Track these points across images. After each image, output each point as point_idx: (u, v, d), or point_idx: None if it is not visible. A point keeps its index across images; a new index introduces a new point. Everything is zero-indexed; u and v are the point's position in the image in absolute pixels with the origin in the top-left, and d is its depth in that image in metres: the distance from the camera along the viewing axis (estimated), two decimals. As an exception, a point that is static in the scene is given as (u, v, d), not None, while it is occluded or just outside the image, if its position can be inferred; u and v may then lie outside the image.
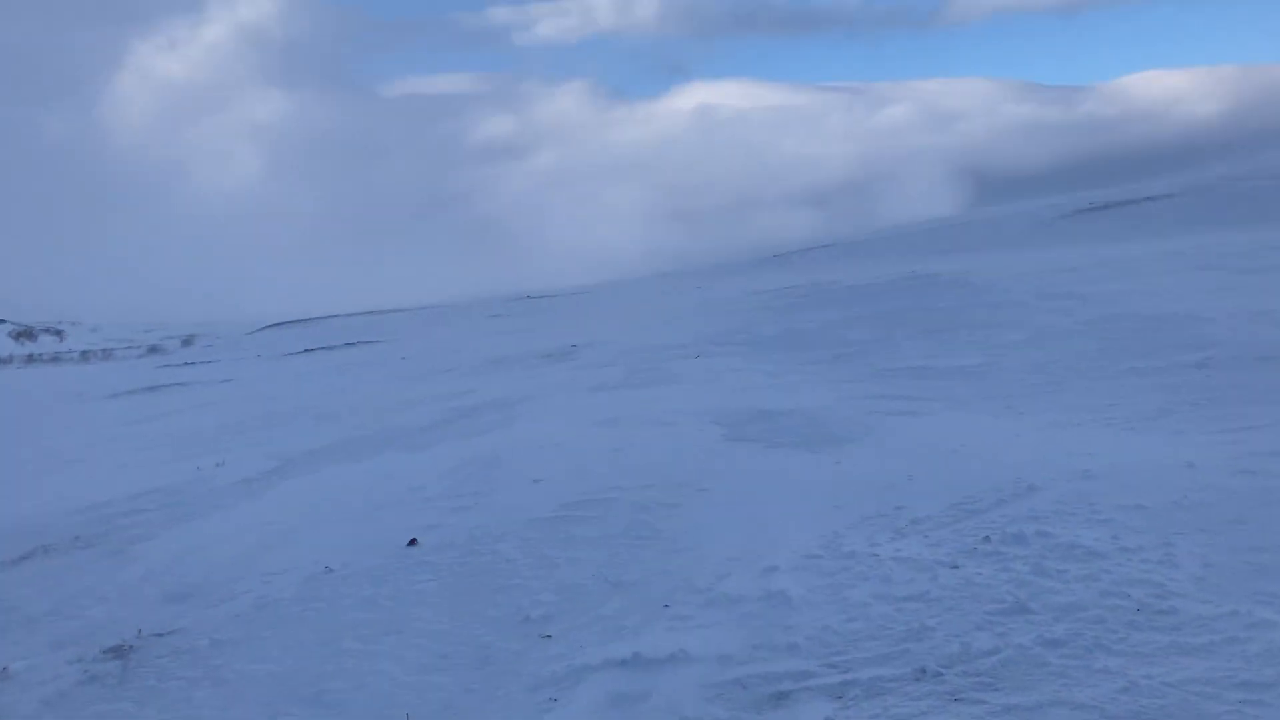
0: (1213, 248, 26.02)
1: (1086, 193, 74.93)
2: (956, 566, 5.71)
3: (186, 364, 51.77)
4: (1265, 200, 43.03)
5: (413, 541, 7.99)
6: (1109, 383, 11.97)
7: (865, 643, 4.83)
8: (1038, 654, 4.39)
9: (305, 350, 47.19)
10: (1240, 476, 6.81)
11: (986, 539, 6.11)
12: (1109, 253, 30.69)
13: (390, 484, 10.46)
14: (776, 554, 6.37)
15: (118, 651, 6.34)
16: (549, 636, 5.61)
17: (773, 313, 27.73)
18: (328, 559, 7.78)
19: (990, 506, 6.86)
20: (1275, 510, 5.95)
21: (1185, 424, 9.19)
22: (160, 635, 6.54)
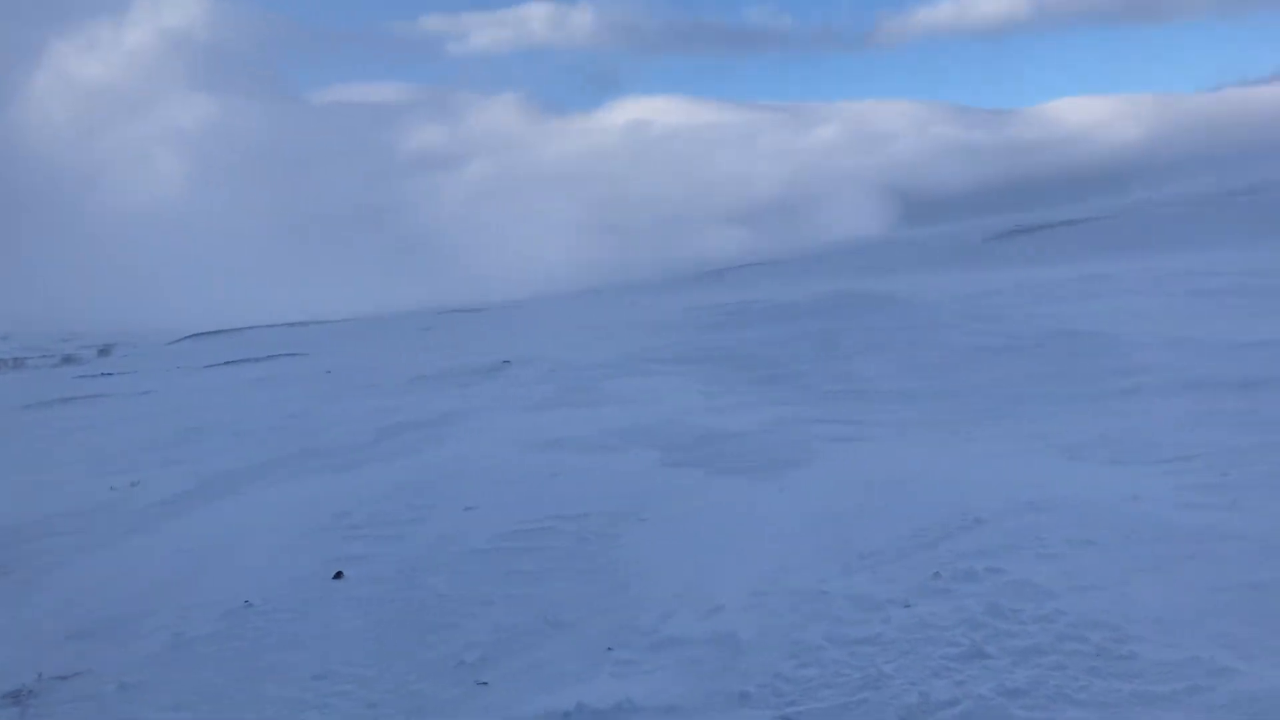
0: (1134, 272, 26.59)
1: (1011, 215, 76.61)
2: (909, 605, 5.54)
3: (103, 374, 50.09)
4: (1181, 226, 44.32)
5: (339, 574, 7.62)
6: (1046, 408, 12.01)
7: (820, 691, 4.62)
8: (1000, 705, 4.21)
9: (227, 362, 45.92)
10: (1185, 510, 6.77)
11: (937, 575, 5.96)
12: (1035, 275, 31.22)
13: (315, 509, 10.04)
14: (722, 591, 6.14)
15: (15, 698, 5.88)
16: (485, 683, 5.30)
17: (708, 330, 27.66)
18: (248, 592, 7.37)
19: (938, 540, 6.72)
20: (1223, 547, 5.89)
21: (1124, 453, 9.19)
22: (64, 678, 6.10)
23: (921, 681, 4.54)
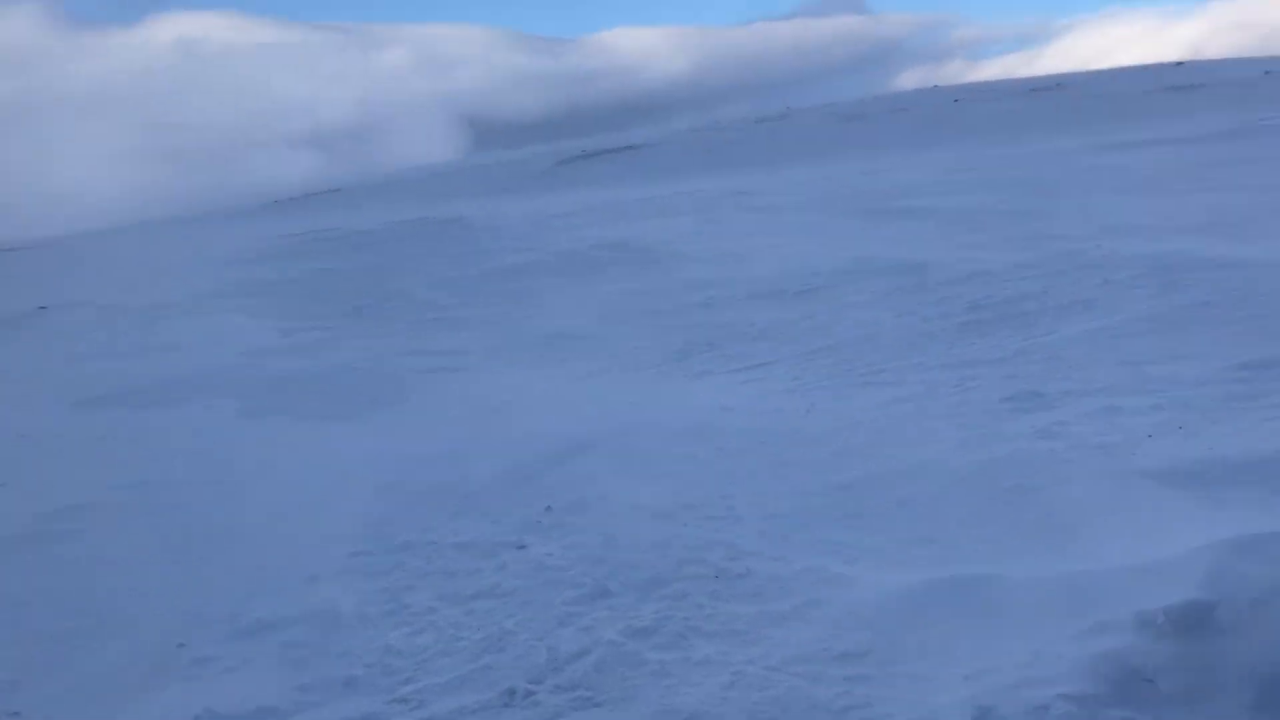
0: (688, 194, 28.07)
1: (576, 142, 79.09)
2: (523, 546, 5.22)
3: None
4: (725, 150, 47.83)
5: None
6: (628, 326, 12.24)
7: (437, 662, 4.15)
8: (632, 650, 3.99)
9: None
10: (770, 416, 7.06)
11: (548, 509, 5.71)
12: (600, 197, 32.13)
13: None
14: (318, 556, 5.45)
15: None
16: (16, 715, 4.25)
17: (279, 262, 25.64)
18: None
19: (545, 469, 6.48)
20: (810, 451, 6.16)
21: (707, 365, 9.55)
22: None
23: (547, 634, 4.23)
